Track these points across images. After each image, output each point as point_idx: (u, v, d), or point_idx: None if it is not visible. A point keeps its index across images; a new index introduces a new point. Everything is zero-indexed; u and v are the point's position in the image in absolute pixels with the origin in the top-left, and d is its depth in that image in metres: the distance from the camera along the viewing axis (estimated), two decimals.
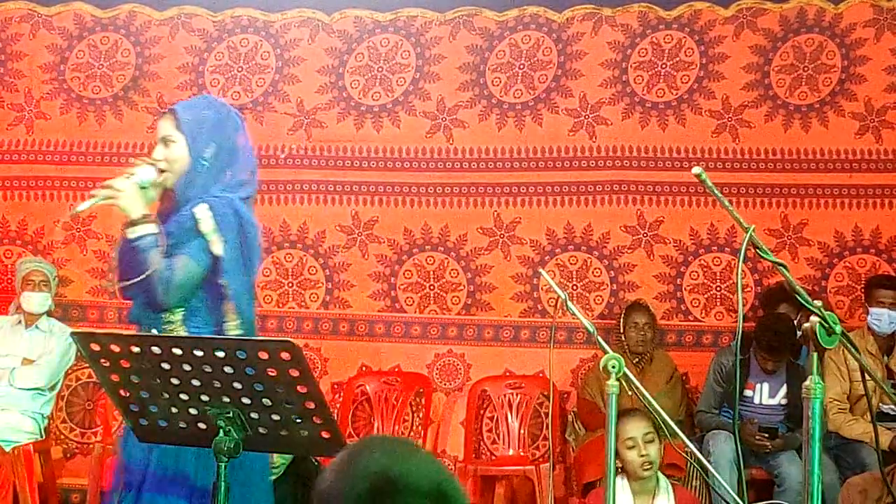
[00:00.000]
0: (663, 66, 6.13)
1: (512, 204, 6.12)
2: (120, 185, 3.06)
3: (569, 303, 3.02)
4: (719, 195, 2.18)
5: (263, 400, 2.55)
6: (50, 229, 6.22)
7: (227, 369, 2.53)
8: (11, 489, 5.23)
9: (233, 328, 3.10)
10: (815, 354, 2.17)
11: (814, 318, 2.14)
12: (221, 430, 2.56)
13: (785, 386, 5.43)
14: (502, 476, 5.93)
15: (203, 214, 3.08)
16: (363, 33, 6.27)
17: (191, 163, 3.16)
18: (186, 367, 2.56)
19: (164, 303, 3.04)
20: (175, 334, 3.03)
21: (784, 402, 5.44)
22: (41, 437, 5.63)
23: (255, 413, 2.57)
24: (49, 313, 5.82)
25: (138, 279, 3.02)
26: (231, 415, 2.56)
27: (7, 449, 5.33)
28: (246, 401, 2.56)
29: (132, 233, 3.03)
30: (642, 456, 3.99)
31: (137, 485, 3.07)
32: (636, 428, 3.99)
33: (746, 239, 2.14)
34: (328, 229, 6.18)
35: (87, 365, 4.35)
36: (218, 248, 3.06)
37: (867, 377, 4.78)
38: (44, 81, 6.35)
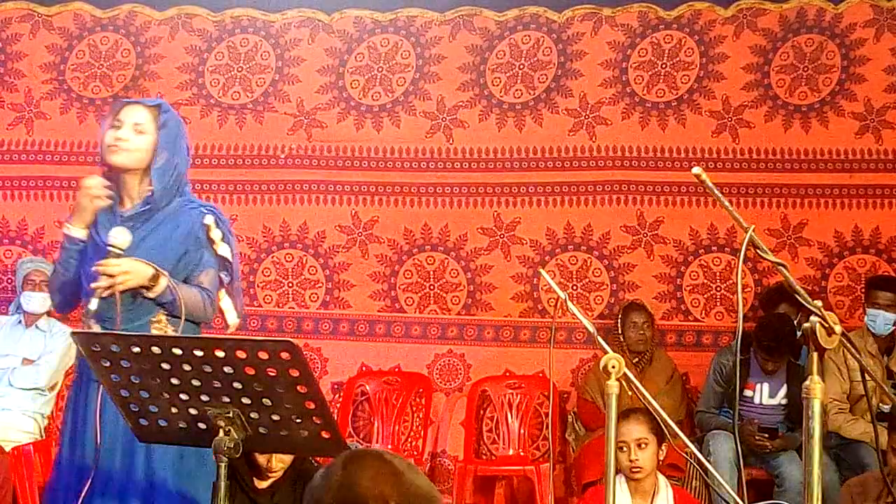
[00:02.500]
0: (663, 66, 6.14)
1: (512, 204, 6.12)
2: (114, 269, 3.13)
3: (569, 303, 3.01)
4: (719, 195, 2.18)
5: (263, 400, 2.54)
6: (50, 229, 6.23)
7: (227, 369, 2.53)
8: (11, 489, 5.22)
9: (233, 328, 3.29)
10: (815, 354, 2.16)
11: (814, 318, 2.14)
12: (221, 430, 2.55)
13: (785, 386, 5.43)
14: (502, 476, 5.94)
15: (212, 222, 3.28)
16: (363, 33, 6.27)
17: (168, 164, 3.27)
18: (186, 367, 2.56)
19: (212, 317, 3.30)
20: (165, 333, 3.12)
21: (784, 402, 5.44)
22: (41, 437, 5.63)
23: (255, 413, 2.57)
24: (49, 313, 5.82)
25: (196, 318, 3.25)
26: (231, 415, 2.56)
27: (7, 449, 5.33)
28: (246, 401, 2.56)
29: (154, 295, 3.17)
30: (631, 461, 4.00)
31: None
32: (629, 432, 3.98)
33: (746, 239, 2.13)
34: (328, 229, 6.19)
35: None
36: (226, 250, 3.28)
37: (867, 377, 4.77)
38: (44, 81, 6.35)
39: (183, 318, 3.18)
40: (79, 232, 3.26)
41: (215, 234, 3.27)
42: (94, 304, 3.12)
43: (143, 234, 3.23)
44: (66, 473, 3.21)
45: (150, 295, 3.16)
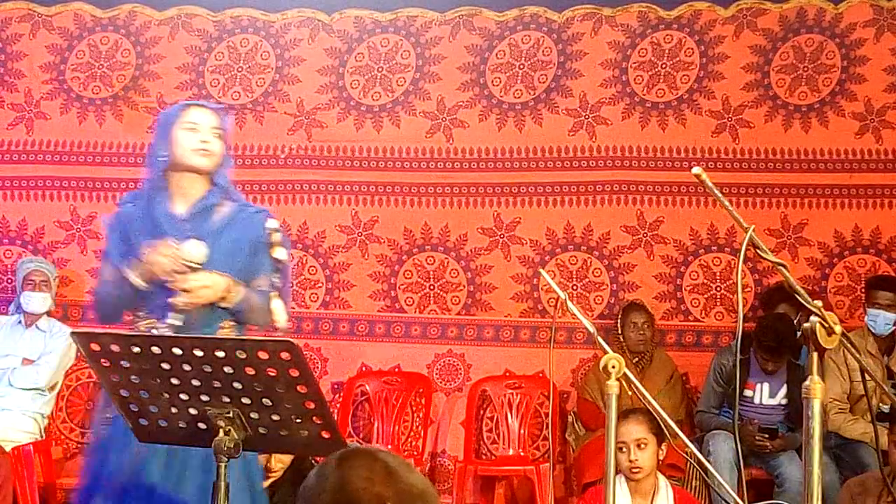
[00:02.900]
0: (663, 66, 6.14)
1: (512, 204, 6.12)
2: (193, 284, 3.13)
3: (569, 303, 3.02)
4: (719, 195, 2.18)
5: (263, 400, 2.54)
6: (50, 228, 6.23)
7: (227, 369, 2.53)
8: (11, 489, 5.23)
9: (283, 331, 3.34)
10: (815, 354, 2.16)
11: (814, 318, 2.14)
12: (221, 430, 2.55)
13: (785, 386, 5.42)
14: (502, 476, 5.94)
15: (274, 227, 3.34)
16: (363, 33, 6.27)
17: (227, 166, 3.34)
18: (186, 367, 2.56)
19: (269, 322, 3.36)
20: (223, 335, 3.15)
21: (784, 402, 5.44)
22: (41, 437, 5.63)
23: (255, 413, 2.57)
24: (49, 313, 5.82)
25: (271, 323, 3.35)
26: (231, 415, 2.56)
27: (7, 449, 5.33)
28: (246, 401, 2.56)
29: (229, 305, 3.20)
30: (630, 461, 4.00)
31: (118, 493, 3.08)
32: (629, 432, 3.98)
33: (746, 239, 2.13)
34: (328, 229, 6.19)
35: (87, 365, 4.35)
36: (282, 254, 3.36)
37: (867, 377, 4.77)
38: (44, 81, 6.35)
39: (253, 325, 3.27)
40: (141, 285, 3.20)
41: (276, 237, 3.32)
42: (176, 320, 3.10)
43: (206, 238, 3.21)
44: (114, 475, 3.15)
45: (225, 305, 3.19)
